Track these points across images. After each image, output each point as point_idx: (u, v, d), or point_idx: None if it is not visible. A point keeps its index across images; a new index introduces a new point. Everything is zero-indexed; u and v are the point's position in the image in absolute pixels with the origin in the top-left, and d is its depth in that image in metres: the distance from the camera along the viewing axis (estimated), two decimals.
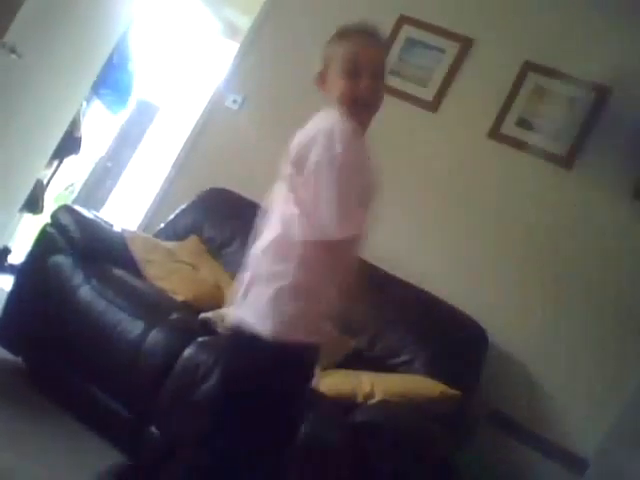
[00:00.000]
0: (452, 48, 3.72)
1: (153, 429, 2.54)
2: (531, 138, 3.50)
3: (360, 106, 1.83)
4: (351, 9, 3.97)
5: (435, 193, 3.59)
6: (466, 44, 3.70)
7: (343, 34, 1.94)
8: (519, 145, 3.51)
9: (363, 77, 1.83)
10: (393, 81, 3.74)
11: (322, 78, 1.92)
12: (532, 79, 3.56)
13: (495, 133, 3.56)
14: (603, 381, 3.09)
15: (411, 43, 3.81)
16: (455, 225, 3.53)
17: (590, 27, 3.53)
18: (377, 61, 1.87)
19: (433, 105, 3.69)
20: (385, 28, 3.83)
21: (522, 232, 3.43)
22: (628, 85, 3.42)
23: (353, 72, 1.83)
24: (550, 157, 3.45)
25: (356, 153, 1.78)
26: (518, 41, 3.65)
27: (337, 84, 1.85)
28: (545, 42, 3.60)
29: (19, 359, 3.00)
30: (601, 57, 3.49)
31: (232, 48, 4.77)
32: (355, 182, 1.76)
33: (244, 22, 4.92)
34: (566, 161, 3.43)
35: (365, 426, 2.40)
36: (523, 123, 3.53)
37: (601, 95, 3.43)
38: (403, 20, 3.84)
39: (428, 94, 3.71)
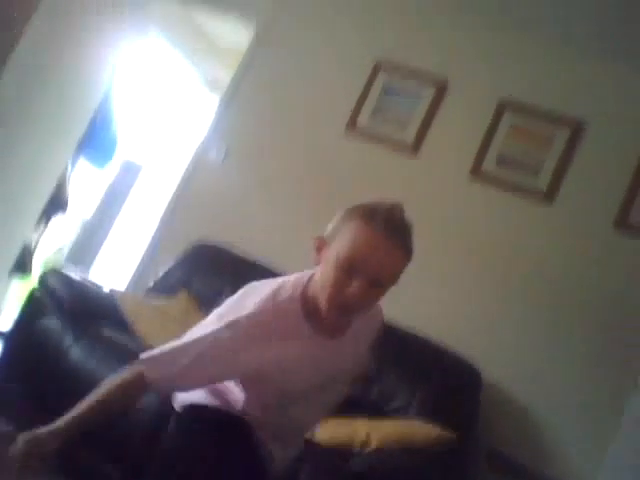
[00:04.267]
0: (428, 92, 3.77)
1: None
2: (512, 175, 3.53)
3: (337, 309, 1.55)
4: (328, 59, 4.07)
5: (419, 235, 3.59)
6: (442, 87, 3.76)
7: (362, 215, 1.55)
8: (500, 183, 3.54)
9: (358, 279, 1.50)
10: (373, 126, 3.80)
11: (320, 246, 1.61)
12: (508, 117, 3.61)
13: (476, 173, 3.59)
14: (601, 414, 3.07)
15: (387, 90, 3.86)
16: (441, 266, 3.53)
17: (563, 64, 3.60)
18: (384, 269, 1.53)
19: (413, 149, 3.73)
20: (362, 75, 3.91)
21: (508, 268, 3.44)
22: (602, 119, 3.47)
23: (347, 269, 1.51)
24: (531, 193, 3.49)
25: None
26: (492, 80, 3.71)
27: (328, 271, 1.54)
28: (519, 80, 3.66)
29: (9, 424, 2.97)
30: (575, 93, 3.55)
31: (214, 101, 4.83)
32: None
33: (225, 75, 4.99)
34: (547, 196, 3.46)
35: (364, 476, 2.38)
36: (503, 161, 3.57)
37: (577, 130, 3.48)
38: (379, 67, 3.90)
39: (407, 138, 3.75)
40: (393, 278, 1.57)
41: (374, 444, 2.56)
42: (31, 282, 3.85)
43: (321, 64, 4.11)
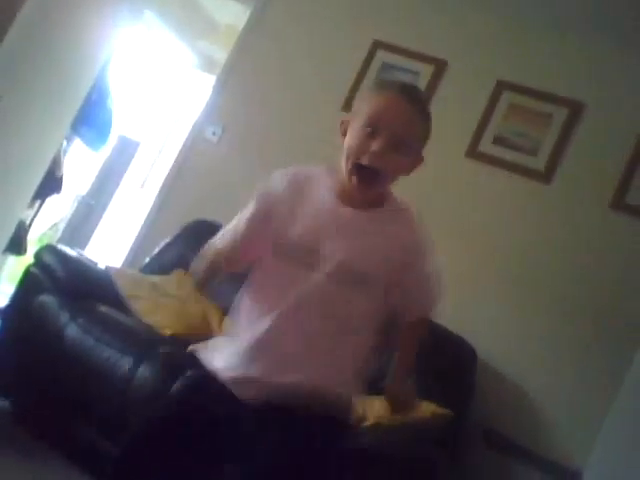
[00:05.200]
0: (426, 70, 3.77)
1: None
2: (509, 155, 3.54)
3: (362, 168, 1.59)
4: (326, 38, 4.05)
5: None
6: (440, 66, 3.75)
7: (379, 86, 1.74)
8: (497, 162, 3.55)
9: (378, 139, 1.57)
10: None
11: (344, 126, 1.69)
12: (506, 97, 3.61)
13: (473, 152, 3.59)
14: (593, 393, 3.10)
15: (386, 67, 3.85)
16: (438, 245, 3.52)
17: (561, 44, 3.60)
18: (403, 127, 1.59)
19: None
20: (360, 53, 3.89)
21: (505, 248, 3.46)
22: (601, 99, 3.47)
23: (370, 130, 1.58)
24: (529, 172, 3.49)
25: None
26: (491, 60, 3.71)
27: (351, 137, 1.62)
28: (517, 60, 3.66)
29: (6, 401, 2.98)
30: (573, 73, 3.55)
31: (209, 81, 4.81)
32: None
33: (220, 55, 4.96)
34: (544, 176, 3.46)
35: (359, 451, 2.40)
36: (500, 141, 3.57)
37: (575, 110, 3.48)
38: (377, 45, 3.89)
39: None
40: (412, 140, 1.63)
41: (370, 420, 2.58)
42: (26, 259, 3.83)
43: (318, 43, 4.09)
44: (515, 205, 3.51)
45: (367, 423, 2.57)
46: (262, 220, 1.69)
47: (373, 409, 2.62)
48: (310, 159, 3.79)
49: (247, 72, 4.18)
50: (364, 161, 1.59)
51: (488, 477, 3.11)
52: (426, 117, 1.66)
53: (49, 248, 3.22)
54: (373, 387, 3.01)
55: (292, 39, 4.15)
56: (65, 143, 4.34)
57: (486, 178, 3.57)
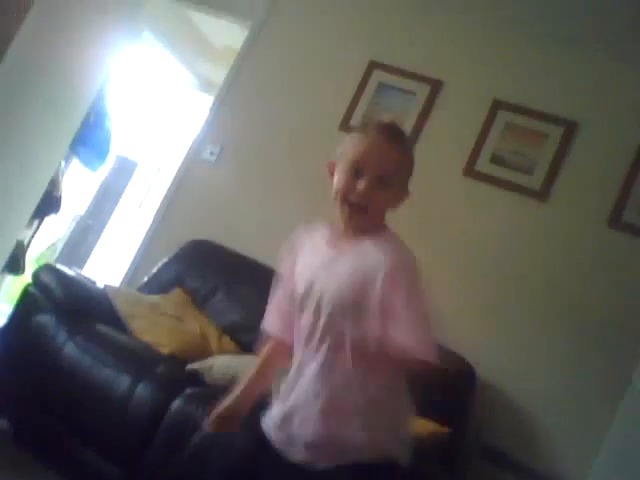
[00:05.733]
0: (423, 90, 3.79)
1: None
2: (505, 174, 3.56)
3: (351, 206, 1.69)
4: (322, 58, 4.08)
5: (414, 232, 3.59)
6: (436, 85, 3.78)
7: (362, 128, 1.86)
8: (494, 181, 3.57)
9: (363, 179, 1.67)
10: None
11: (331, 168, 1.78)
12: (502, 116, 3.63)
13: (470, 171, 3.61)
14: (593, 411, 3.10)
15: (382, 87, 3.88)
16: (434, 262, 3.53)
17: (556, 62, 3.62)
18: (385, 166, 1.68)
19: None
20: (357, 73, 3.92)
21: (502, 266, 3.46)
22: (596, 116, 3.50)
23: (355, 170, 1.69)
24: (525, 191, 3.51)
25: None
26: (487, 80, 3.73)
27: (339, 178, 1.73)
28: (513, 79, 3.68)
29: (4, 421, 2.97)
30: (569, 91, 3.58)
31: (207, 101, 4.84)
32: None
33: (218, 76, 5.00)
34: (541, 194, 3.48)
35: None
36: (497, 159, 3.59)
37: (570, 129, 3.50)
38: (373, 65, 3.92)
39: None
40: (395, 176, 1.71)
41: None
42: (24, 279, 3.83)
43: (315, 64, 4.12)
44: (512, 223, 3.52)
45: None
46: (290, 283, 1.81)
47: None
48: (307, 179, 3.86)
49: (245, 92, 4.21)
50: (352, 199, 1.68)
51: None
52: (407, 153, 1.75)
53: (47, 268, 3.22)
54: None
55: (289, 60, 4.18)
56: (63, 164, 4.36)
57: (483, 197, 3.58)
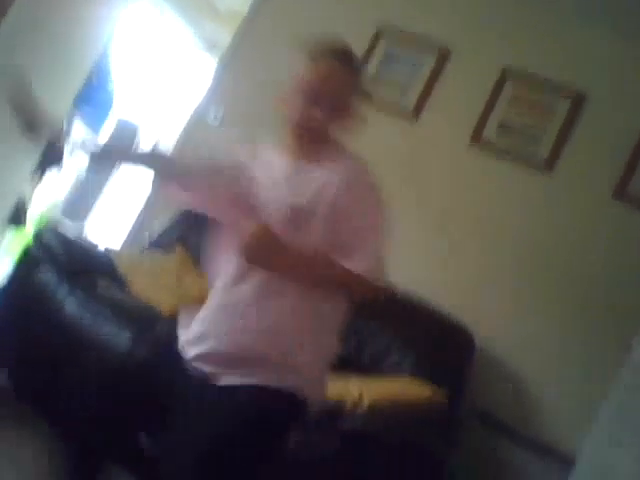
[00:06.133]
0: (430, 59, 3.75)
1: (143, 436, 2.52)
2: (512, 143, 3.54)
3: (304, 131, 1.74)
4: (329, 24, 4.03)
5: (418, 201, 3.61)
6: (444, 54, 3.74)
7: (311, 54, 1.80)
8: (500, 151, 3.55)
9: (315, 105, 1.71)
10: (373, 92, 3.79)
11: (283, 96, 1.82)
12: (510, 86, 3.60)
13: (476, 140, 3.59)
14: (589, 379, 3.11)
15: (389, 56, 3.84)
16: (440, 231, 3.55)
17: (566, 33, 3.59)
18: (341, 91, 1.74)
19: (414, 115, 3.72)
20: (363, 42, 3.88)
21: (506, 235, 3.46)
22: (604, 89, 3.47)
23: (309, 97, 1.71)
24: (531, 162, 3.49)
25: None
26: (495, 49, 3.69)
27: (291, 104, 1.76)
28: (522, 49, 3.65)
29: (5, 376, 2.98)
30: (578, 62, 3.55)
31: (211, 64, 4.80)
32: None
33: (224, 38, 4.95)
34: (547, 165, 3.46)
35: (355, 433, 2.40)
36: (503, 129, 3.57)
37: (579, 100, 3.48)
38: (380, 33, 3.87)
39: (408, 104, 3.74)
40: (347, 100, 1.76)
41: (366, 403, 2.58)
42: (25, 234, 3.84)
43: (322, 30, 4.05)
44: (517, 193, 3.50)
45: (363, 407, 2.58)
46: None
47: (370, 392, 2.63)
48: None
49: (249, 57, 4.17)
50: (309, 125, 1.72)
51: (484, 459, 3.12)
52: (359, 75, 1.81)
53: (49, 230, 3.22)
54: (369, 369, 3.04)
55: (294, 26, 4.13)
56: (66, 122, 4.34)
57: (489, 166, 3.56)
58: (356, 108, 1.79)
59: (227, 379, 1.67)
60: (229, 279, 1.72)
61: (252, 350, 1.67)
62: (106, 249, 3.37)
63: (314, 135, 1.75)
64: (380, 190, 1.78)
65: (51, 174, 4.40)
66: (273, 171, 1.79)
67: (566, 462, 2.72)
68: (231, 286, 1.72)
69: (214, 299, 1.75)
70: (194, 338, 1.74)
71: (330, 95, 1.71)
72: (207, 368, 1.69)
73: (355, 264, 1.67)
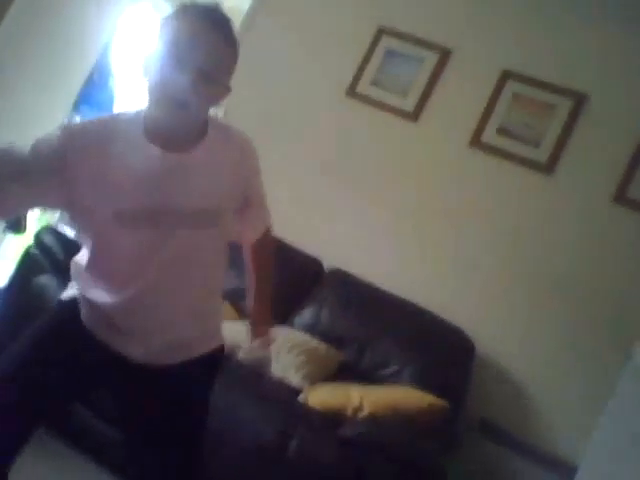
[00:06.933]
0: (431, 58, 3.74)
1: None
2: (512, 145, 3.52)
3: (175, 103, 1.47)
4: (330, 22, 4.02)
5: (419, 203, 3.60)
6: (445, 54, 3.72)
7: (181, 12, 1.51)
8: (500, 153, 3.53)
9: (185, 72, 1.45)
10: (374, 92, 3.78)
11: (143, 66, 1.52)
12: (511, 87, 3.58)
13: (476, 142, 3.57)
14: (590, 387, 3.11)
15: (390, 54, 3.82)
16: (439, 235, 3.54)
17: (567, 34, 3.56)
18: (210, 58, 1.48)
19: (414, 115, 3.70)
20: (364, 42, 3.86)
21: (505, 238, 3.45)
22: (605, 92, 3.45)
23: (175, 62, 1.45)
24: (531, 164, 3.48)
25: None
26: (496, 50, 3.67)
27: (156, 69, 1.48)
28: (523, 50, 3.63)
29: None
30: (578, 63, 3.53)
31: None
32: None
33: None
34: (547, 167, 3.45)
35: (355, 440, 2.40)
36: (504, 131, 3.55)
37: (579, 101, 3.46)
38: (382, 32, 3.85)
39: (408, 104, 3.72)
40: (220, 71, 1.52)
41: (367, 410, 2.58)
42: (25, 238, 3.82)
43: (323, 28, 4.06)
44: (516, 196, 3.49)
45: (364, 413, 2.58)
46: (61, 177, 1.49)
47: (370, 400, 2.63)
48: (311, 145, 3.82)
49: (249, 55, 4.09)
50: (174, 95, 1.47)
51: (484, 466, 3.12)
52: (233, 44, 1.54)
53: (49, 230, 3.20)
54: (370, 377, 3.04)
55: (296, 23, 4.11)
56: (66, 122, 4.32)
57: (488, 168, 3.55)
58: (225, 85, 1.57)
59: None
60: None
61: None
62: None
63: (180, 104, 1.48)
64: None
65: None
66: (140, 164, 1.53)
67: (566, 470, 2.73)
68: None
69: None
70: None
71: (198, 60, 1.46)
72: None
73: (266, 220, 1.88)
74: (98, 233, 1.59)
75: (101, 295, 1.63)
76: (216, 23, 1.50)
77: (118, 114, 1.64)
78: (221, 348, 1.81)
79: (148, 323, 1.65)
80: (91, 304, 1.66)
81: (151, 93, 1.51)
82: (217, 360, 1.82)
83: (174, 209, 1.56)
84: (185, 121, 1.54)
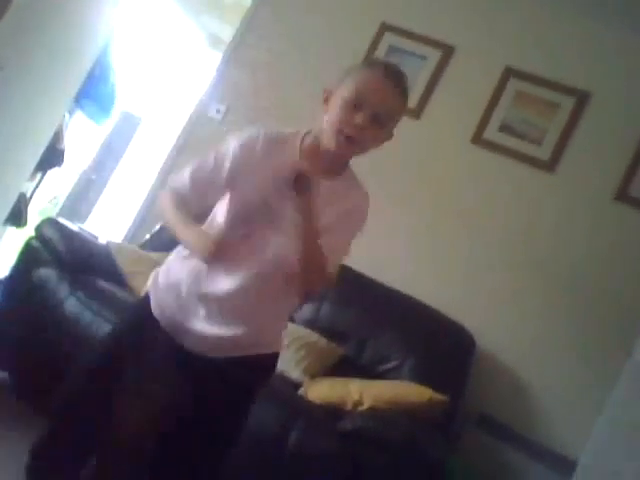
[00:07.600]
0: (434, 55, 3.74)
1: None
2: (514, 143, 3.52)
3: (345, 138, 1.68)
4: (333, 18, 4.02)
5: (420, 199, 3.60)
6: (448, 51, 3.73)
7: (368, 64, 1.85)
8: (502, 150, 3.53)
9: (361, 113, 1.66)
10: None
11: (327, 97, 1.77)
12: (513, 84, 3.59)
13: (478, 139, 3.58)
14: (591, 383, 3.12)
15: (393, 51, 3.82)
16: (441, 231, 3.54)
17: (570, 32, 3.57)
18: (385, 105, 1.69)
19: (416, 112, 3.70)
20: (366, 39, 3.86)
21: (507, 236, 3.46)
22: (608, 89, 3.45)
23: (354, 104, 1.67)
24: (533, 161, 3.48)
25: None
26: (499, 47, 3.68)
27: (336, 107, 1.70)
28: (526, 47, 3.63)
29: (5, 373, 2.98)
30: (581, 61, 3.53)
31: (215, 58, 4.78)
32: None
33: (227, 32, 4.93)
34: (549, 165, 3.45)
35: (354, 434, 2.41)
36: (506, 128, 3.55)
37: (582, 99, 3.46)
38: (385, 28, 3.86)
39: (411, 101, 3.71)
40: (392, 116, 1.73)
41: (367, 404, 2.59)
42: (26, 231, 3.82)
43: (325, 24, 4.06)
44: (518, 193, 3.50)
45: (364, 407, 2.58)
46: (234, 171, 1.78)
47: (370, 394, 2.63)
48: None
49: (253, 50, 4.15)
50: (347, 131, 1.67)
51: (483, 461, 3.12)
52: (405, 99, 1.77)
53: (50, 222, 3.20)
54: (370, 371, 3.04)
55: (299, 19, 4.12)
56: (67, 117, 4.32)
57: (490, 165, 3.56)
58: (390, 131, 1.77)
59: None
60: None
61: None
62: (107, 242, 3.35)
63: (349, 140, 1.69)
64: None
65: (52, 173, 4.40)
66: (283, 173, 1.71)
67: (566, 465, 2.73)
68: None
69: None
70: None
71: (375, 105, 1.68)
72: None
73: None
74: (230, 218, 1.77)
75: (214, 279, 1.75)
76: (398, 79, 1.73)
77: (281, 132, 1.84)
78: (276, 355, 1.88)
79: (236, 310, 1.76)
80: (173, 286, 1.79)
81: (329, 123, 1.71)
82: (269, 365, 1.89)
83: (289, 215, 1.71)
84: (344, 152, 1.75)
